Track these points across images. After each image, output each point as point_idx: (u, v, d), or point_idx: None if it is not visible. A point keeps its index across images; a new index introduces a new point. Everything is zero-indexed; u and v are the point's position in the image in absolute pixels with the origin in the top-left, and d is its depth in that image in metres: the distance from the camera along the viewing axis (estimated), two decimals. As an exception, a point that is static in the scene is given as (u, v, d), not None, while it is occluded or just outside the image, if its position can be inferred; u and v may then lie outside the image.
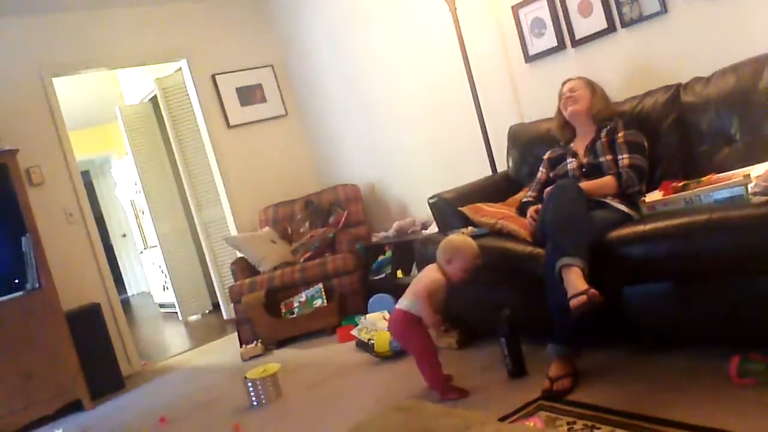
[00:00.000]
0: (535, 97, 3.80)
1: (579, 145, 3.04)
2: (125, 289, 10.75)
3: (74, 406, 4.16)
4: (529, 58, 3.81)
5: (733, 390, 2.03)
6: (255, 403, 3.26)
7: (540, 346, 2.63)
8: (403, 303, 2.77)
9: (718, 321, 2.22)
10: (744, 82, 2.68)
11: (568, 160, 3.04)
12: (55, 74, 4.93)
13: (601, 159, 2.88)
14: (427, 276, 2.78)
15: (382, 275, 4.64)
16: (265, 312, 4.40)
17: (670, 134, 2.90)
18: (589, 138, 3.00)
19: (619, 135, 2.87)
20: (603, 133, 2.93)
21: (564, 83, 3.13)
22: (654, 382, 2.28)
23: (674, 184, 2.54)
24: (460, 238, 2.85)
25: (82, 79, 5.93)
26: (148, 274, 8.62)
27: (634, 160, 2.79)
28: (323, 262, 4.58)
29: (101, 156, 9.74)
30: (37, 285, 4.16)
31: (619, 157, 2.83)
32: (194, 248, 6.97)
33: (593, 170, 2.89)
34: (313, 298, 4.43)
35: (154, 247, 7.46)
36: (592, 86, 3.05)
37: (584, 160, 2.96)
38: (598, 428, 2.06)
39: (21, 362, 3.98)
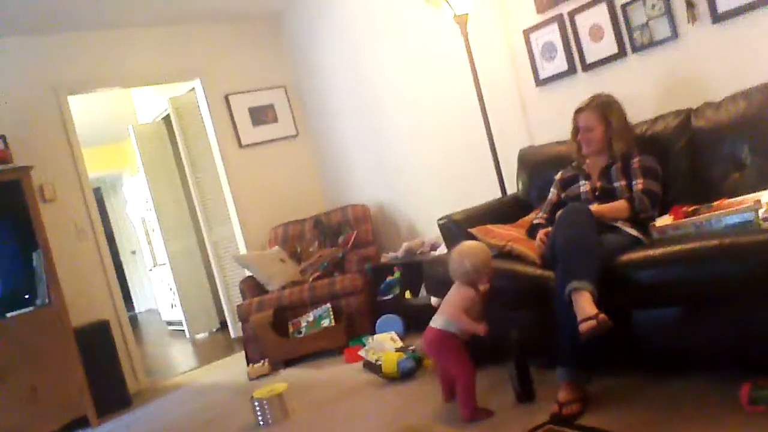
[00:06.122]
0: (545, 120, 3.82)
1: (592, 168, 3.03)
2: (133, 306, 10.76)
3: (80, 423, 4.15)
4: (539, 82, 3.83)
5: (744, 417, 2.01)
6: (261, 423, 3.24)
7: (549, 370, 2.62)
8: (438, 322, 2.74)
9: (728, 347, 2.20)
10: (755, 107, 2.68)
11: (580, 182, 3.03)
12: (70, 92, 5.00)
13: (615, 184, 2.88)
14: (457, 294, 2.74)
15: (391, 296, 4.63)
16: (272, 331, 4.40)
17: (681, 159, 2.90)
18: (604, 161, 2.98)
19: (635, 160, 2.87)
20: (618, 158, 2.92)
21: (578, 112, 3.01)
22: (663, 408, 2.26)
23: (685, 208, 2.54)
24: (467, 246, 2.83)
25: (96, 97, 6.00)
26: (156, 291, 8.64)
27: (648, 185, 2.79)
28: (332, 282, 4.58)
29: (113, 173, 9.81)
30: (47, 301, 4.18)
31: (634, 182, 2.83)
32: (203, 266, 6.98)
33: (606, 194, 2.88)
34: (321, 317, 4.42)
35: (163, 264, 7.48)
36: (606, 120, 2.92)
37: (598, 184, 2.95)
38: (607, 454, 2.04)
39: (29, 377, 3.99)
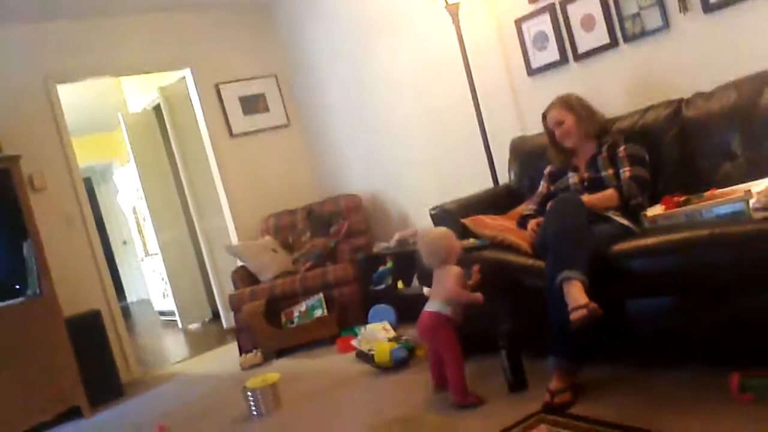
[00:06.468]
0: (537, 110, 3.78)
1: (580, 160, 3.06)
2: (125, 296, 10.74)
3: (73, 413, 4.14)
4: (531, 72, 3.83)
5: (734, 405, 2.03)
6: (254, 413, 3.25)
7: (541, 359, 2.63)
8: (433, 306, 2.77)
9: (719, 336, 2.22)
10: (745, 98, 2.69)
11: (569, 174, 3.05)
12: (60, 81, 4.95)
13: (603, 173, 2.90)
14: (446, 274, 2.78)
15: (383, 286, 4.63)
16: (265, 321, 4.40)
17: (672, 149, 2.92)
18: (590, 153, 3.01)
19: (620, 149, 2.89)
20: (604, 148, 2.95)
21: (545, 115, 3.13)
22: (655, 397, 2.28)
23: (676, 198, 2.55)
24: (427, 232, 2.96)
25: (86, 86, 5.96)
26: (148, 281, 8.62)
27: (635, 171, 2.81)
28: (324, 272, 4.58)
29: (103, 163, 9.76)
30: (37, 291, 4.16)
31: (621, 170, 2.85)
32: (195, 256, 6.96)
33: (595, 184, 2.90)
34: (313, 307, 4.43)
35: (155, 254, 7.46)
36: (572, 108, 3.03)
37: (585, 175, 2.98)
38: (598, 442, 2.06)
39: (20, 368, 3.97)
